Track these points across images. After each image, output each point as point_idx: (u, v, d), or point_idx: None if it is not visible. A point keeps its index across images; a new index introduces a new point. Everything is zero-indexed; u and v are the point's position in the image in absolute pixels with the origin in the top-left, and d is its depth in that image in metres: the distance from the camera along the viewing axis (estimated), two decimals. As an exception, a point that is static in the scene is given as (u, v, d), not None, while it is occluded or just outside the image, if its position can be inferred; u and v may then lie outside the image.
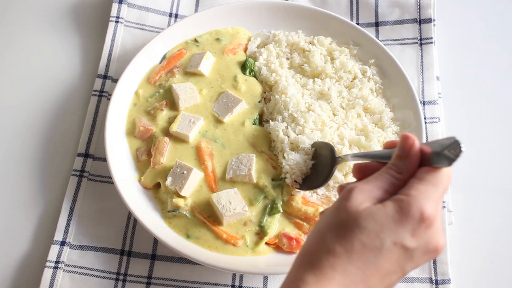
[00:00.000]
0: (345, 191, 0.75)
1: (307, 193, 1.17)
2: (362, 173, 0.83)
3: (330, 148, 1.12)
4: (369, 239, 0.70)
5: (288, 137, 1.20)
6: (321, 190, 1.17)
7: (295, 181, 1.16)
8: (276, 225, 1.14)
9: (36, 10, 1.52)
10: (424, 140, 1.19)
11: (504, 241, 1.23)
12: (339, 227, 0.72)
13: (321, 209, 1.12)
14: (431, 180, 0.72)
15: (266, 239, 1.13)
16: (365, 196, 0.73)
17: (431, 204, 0.71)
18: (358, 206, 0.72)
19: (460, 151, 0.70)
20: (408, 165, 0.75)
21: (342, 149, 1.18)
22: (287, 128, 1.22)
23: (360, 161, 0.88)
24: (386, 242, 0.70)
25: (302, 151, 1.17)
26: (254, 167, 1.18)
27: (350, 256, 0.70)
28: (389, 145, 0.83)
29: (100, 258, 1.17)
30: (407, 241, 0.71)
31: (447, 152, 0.72)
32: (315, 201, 1.17)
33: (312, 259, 0.72)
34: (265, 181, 1.16)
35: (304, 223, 1.15)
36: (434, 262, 1.16)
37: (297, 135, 1.20)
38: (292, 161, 1.15)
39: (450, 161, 0.71)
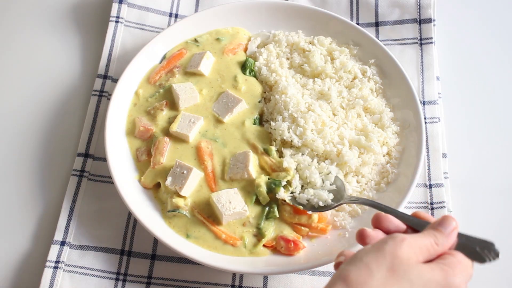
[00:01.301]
0: (395, 238, 0.83)
1: None
2: (380, 223, 0.91)
3: (343, 185, 1.15)
4: None
5: (292, 140, 1.20)
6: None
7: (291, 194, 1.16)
8: (273, 228, 1.14)
9: (36, 10, 1.52)
10: (424, 140, 1.20)
11: (504, 241, 1.21)
12: (389, 270, 0.79)
13: (315, 216, 1.13)
14: (466, 266, 0.83)
15: (263, 241, 1.12)
16: (414, 251, 0.82)
17: (465, 285, 0.82)
18: (410, 259, 0.80)
19: (497, 257, 0.83)
20: (446, 243, 0.85)
21: (342, 149, 1.18)
22: (289, 130, 1.22)
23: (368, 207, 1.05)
24: None
25: (323, 176, 1.17)
26: (252, 163, 1.17)
27: None
28: (416, 215, 0.93)
29: (100, 258, 1.17)
30: None
31: (486, 253, 0.84)
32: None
33: None
34: (262, 180, 1.16)
35: (302, 227, 1.15)
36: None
37: (300, 138, 1.20)
38: (312, 192, 1.14)
39: (484, 261, 0.84)
